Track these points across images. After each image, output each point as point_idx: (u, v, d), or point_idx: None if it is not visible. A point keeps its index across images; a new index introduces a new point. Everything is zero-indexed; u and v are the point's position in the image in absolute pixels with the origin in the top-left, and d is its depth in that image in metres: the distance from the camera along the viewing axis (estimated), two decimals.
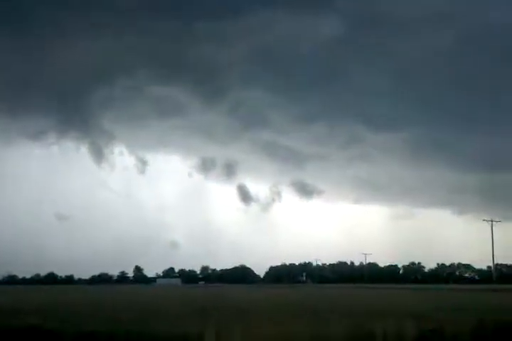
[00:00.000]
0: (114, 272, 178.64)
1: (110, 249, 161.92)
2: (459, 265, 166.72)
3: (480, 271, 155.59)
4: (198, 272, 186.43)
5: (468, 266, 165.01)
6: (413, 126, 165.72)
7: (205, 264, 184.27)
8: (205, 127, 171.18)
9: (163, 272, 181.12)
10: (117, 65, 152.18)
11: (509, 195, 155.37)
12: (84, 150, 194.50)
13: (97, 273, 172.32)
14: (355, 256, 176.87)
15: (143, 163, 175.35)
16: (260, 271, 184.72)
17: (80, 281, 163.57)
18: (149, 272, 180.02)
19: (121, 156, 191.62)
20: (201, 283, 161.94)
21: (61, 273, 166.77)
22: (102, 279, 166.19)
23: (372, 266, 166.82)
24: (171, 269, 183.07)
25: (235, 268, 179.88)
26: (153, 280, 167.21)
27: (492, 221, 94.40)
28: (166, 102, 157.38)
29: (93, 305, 22.45)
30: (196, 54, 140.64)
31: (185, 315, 16.31)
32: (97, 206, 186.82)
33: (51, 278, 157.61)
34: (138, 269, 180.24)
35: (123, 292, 55.61)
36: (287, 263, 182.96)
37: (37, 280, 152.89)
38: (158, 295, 43.02)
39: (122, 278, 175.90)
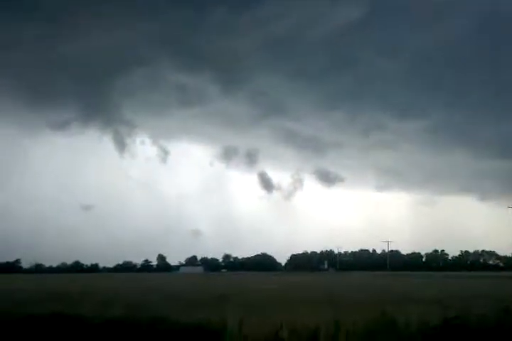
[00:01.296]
0: (138, 260, 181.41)
1: (134, 238, 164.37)
2: (483, 252, 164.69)
3: (504, 258, 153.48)
4: (220, 260, 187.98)
5: (492, 253, 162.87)
6: (435, 113, 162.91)
7: (227, 252, 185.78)
8: (225, 115, 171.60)
9: (185, 260, 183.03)
10: (138, 55, 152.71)
11: None
12: (107, 139, 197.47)
13: (120, 261, 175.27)
14: (377, 243, 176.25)
15: (165, 152, 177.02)
16: (282, 259, 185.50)
17: (105, 269, 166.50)
18: (172, 260, 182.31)
19: (143, 145, 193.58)
20: (223, 270, 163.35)
21: (86, 261, 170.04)
22: (126, 267, 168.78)
23: (395, 253, 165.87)
24: (194, 257, 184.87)
25: (257, 256, 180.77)
26: (176, 268, 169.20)
27: None
28: (186, 91, 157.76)
29: (117, 292, 22.75)
30: (216, 43, 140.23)
31: (208, 302, 16.42)
32: (121, 195, 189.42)
33: (77, 267, 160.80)
34: (161, 257, 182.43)
35: (146, 279, 56.39)
36: (309, 251, 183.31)
37: (63, 269, 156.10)
38: (181, 283, 43.45)
39: (146, 266, 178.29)
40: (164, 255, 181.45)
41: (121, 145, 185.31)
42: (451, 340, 10.40)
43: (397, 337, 10.61)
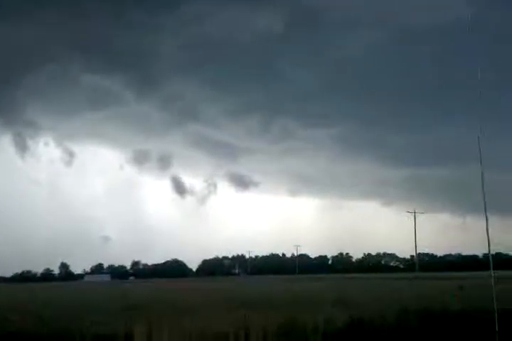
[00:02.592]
0: (39, 269, 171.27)
1: (35, 246, 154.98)
2: (385, 254, 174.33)
3: (404, 260, 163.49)
4: (129, 267, 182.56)
5: (392, 256, 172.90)
6: (344, 122, 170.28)
7: (136, 259, 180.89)
8: (138, 119, 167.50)
9: (91, 268, 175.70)
10: (46, 53, 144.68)
11: (431, 188, 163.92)
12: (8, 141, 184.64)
13: (19, 271, 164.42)
14: (288, 247, 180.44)
15: (71, 154, 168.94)
16: (193, 264, 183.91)
17: (1, 279, 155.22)
18: (77, 268, 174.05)
19: (47, 148, 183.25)
20: (131, 278, 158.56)
21: None
22: (25, 277, 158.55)
23: (304, 257, 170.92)
24: (100, 265, 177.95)
25: (167, 263, 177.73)
26: (80, 277, 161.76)
27: (415, 212, 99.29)
28: (98, 92, 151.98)
29: (12, 304, 21.22)
30: (131, 43, 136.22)
31: (112, 312, 15.78)
32: (21, 200, 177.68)
33: None
34: (64, 266, 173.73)
35: (46, 289, 53.16)
36: (220, 256, 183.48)
37: None
38: (81, 292, 41.50)
39: (47, 275, 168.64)
40: (67, 263, 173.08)
41: (22, 147, 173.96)
42: (355, 340, 10.83)
43: (304, 338, 10.85)
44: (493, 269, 11.29)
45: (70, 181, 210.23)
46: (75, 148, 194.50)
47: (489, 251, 11.28)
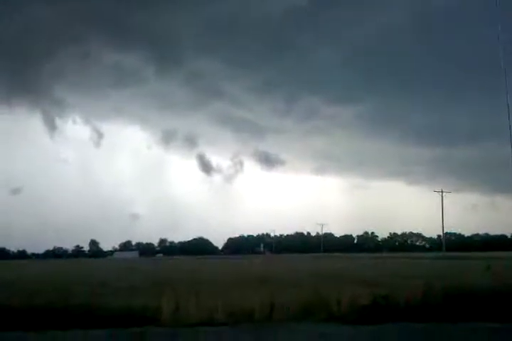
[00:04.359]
0: (70, 246, 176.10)
1: (65, 223, 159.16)
2: (411, 234, 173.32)
3: (430, 240, 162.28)
4: (156, 245, 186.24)
5: (418, 235, 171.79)
6: (369, 99, 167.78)
7: (163, 237, 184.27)
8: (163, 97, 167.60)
9: (120, 245, 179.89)
10: (68, 32, 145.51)
11: (458, 168, 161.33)
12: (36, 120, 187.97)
13: (51, 247, 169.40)
14: (313, 226, 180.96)
15: (99, 134, 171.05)
16: (219, 242, 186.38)
17: (34, 256, 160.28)
18: (106, 245, 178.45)
19: (75, 126, 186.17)
20: (159, 255, 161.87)
21: (13, 248, 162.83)
22: (57, 253, 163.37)
23: (328, 236, 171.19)
24: (129, 242, 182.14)
25: (194, 240, 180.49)
26: (109, 253, 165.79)
27: (442, 192, 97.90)
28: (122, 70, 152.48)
29: (45, 279, 21.91)
30: (153, 22, 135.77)
31: (141, 287, 16.15)
32: (52, 179, 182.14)
33: (2, 254, 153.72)
34: (93, 243, 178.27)
35: (77, 265, 54.77)
36: (245, 234, 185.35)
37: None
38: (112, 269, 42.52)
39: (78, 252, 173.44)
40: (97, 240, 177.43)
41: (51, 125, 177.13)
42: (379, 318, 10.83)
43: (328, 315, 10.91)
44: None
45: (99, 160, 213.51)
46: (103, 127, 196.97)
47: None
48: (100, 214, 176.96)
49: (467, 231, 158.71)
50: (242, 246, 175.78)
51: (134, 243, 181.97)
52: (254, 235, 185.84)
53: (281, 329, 10.09)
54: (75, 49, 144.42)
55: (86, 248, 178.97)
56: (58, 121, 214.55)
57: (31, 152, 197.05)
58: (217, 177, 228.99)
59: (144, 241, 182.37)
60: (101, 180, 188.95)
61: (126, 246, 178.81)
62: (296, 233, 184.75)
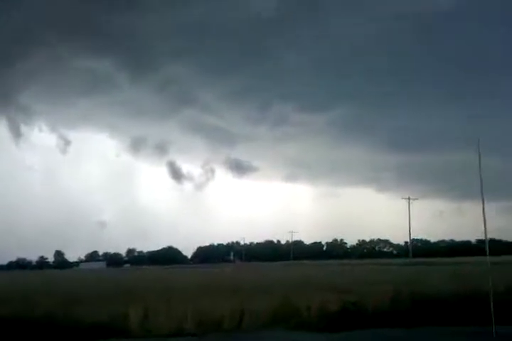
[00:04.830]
0: (34, 257, 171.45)
1: (29, 232, 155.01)
2: (379, 241, 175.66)
3: (398, 246, 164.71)
4: (124, 255, 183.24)
5: (386, 242, 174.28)
6: (340, 106, 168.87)
7: (131, 247, 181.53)
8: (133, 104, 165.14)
9: (86, 256, 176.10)
10: (36, 36, 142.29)
11: (426, 174, 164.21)
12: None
13: (14, 258, 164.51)
14: (284, 234, 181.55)
15: (66, 141, 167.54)
16: (188, 251, 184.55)
17: None
18: (72, 256, 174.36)
19: (42, 134, 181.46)
20: (126, 265, 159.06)
21: None
22: (21, 265, 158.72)
23: (298, 243, 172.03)
24: (95, 252, 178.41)
25: (163, 250, 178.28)
26: (75, 264, 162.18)
27: (409, 199, 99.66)
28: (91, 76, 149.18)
29: (9, 290, 21.18)
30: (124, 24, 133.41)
31: (108, 298, 15.78)
32: (16, 186, 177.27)
33: None
34: (59, 254, 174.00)
35: (42, 277, 53.19)
36: (215, 243, 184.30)
37: None
38: (78, 279, 41.54)
39: (42, 263, 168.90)
40: (62, 251, 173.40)
41: (16, 133, 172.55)
42: (349, 324, 10.88)
43: (299, 322, 10.90)
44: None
45: (66, 168, 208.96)
46: (70, 135, 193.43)
47: (485, 235, 11.31)
48: (66, 223, 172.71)
49: (434, 238, 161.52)
50: (211, 255, 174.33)
51: (100, 253, 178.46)
52: (224, 243, 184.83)
53: (251, 337, 10.00)
54: (43, 54, 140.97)
55: (51, 259, 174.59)
56: (24, 128, 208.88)
57: None
58: (188, 185, 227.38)
59: (112, 251, 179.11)
60: (67, 188, 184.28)
61: (92, 257, 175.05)
62: (266, 241, 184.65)
